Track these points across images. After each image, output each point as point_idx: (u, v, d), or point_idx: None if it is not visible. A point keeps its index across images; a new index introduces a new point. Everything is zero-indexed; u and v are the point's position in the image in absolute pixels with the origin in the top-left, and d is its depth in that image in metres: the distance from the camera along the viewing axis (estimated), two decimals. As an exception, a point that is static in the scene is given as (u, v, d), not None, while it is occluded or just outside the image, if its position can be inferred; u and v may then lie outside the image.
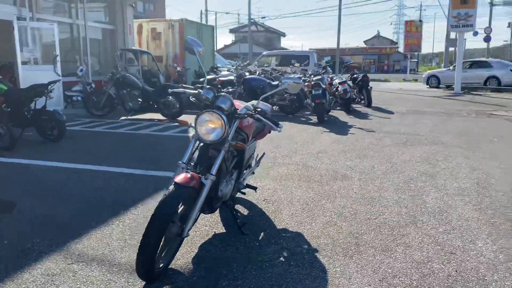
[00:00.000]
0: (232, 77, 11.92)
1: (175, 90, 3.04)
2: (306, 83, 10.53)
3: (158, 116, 9.51)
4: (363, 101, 12.41)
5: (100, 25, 12.80)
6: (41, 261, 2.72)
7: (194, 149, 2.82)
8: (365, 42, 65.63)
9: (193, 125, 2.66)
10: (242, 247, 2.97)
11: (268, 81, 10.46)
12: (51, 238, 3.06)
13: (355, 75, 12.81)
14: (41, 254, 2.82)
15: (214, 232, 3.23)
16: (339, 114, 10.47)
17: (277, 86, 9.98)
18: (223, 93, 2.71)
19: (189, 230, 2.56)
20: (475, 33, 28.85)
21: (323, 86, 9.10)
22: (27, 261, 2.72)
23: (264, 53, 20.39)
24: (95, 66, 12.87)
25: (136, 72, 11.90)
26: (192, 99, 2.89)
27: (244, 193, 3.62)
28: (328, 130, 8.03)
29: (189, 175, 2.48)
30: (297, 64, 13.90)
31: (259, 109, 2.83)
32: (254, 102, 3.23)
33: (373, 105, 12.25)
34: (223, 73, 13.92)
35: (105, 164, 5.28)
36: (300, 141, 6.93)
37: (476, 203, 3.93)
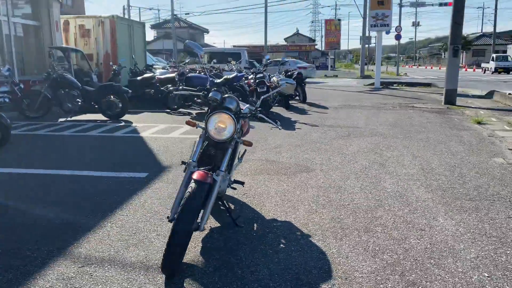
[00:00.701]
0: (171, 75, 11.85)
1: (181, 92, 3.15)
2: (246, 81, 10.84)
3: (99, 116, 9.22)
4: (297, 97, 13.00)
5: (25, 21, 11.96)
6: (50, 267, 2.70)
7: (198, 148, 2.95)
8: (285, 39, 67.65)
9: (201, 125, 2.80)
10: (243, 238, 3.17)
11: (211, 79, 10.57)
12: (47, 246, 3.02)
13: (289, 72, 13.35)
14: (47, 261, 2.79)
15: (210, 226, 3.39)
16: (280, 110, 10.91)
17: (219, 84, 10.14)
18: (229, 95, 2.88)
19: (204, 224, 2.70)
20: (387, 32, 31.26)
21: (267, 83, 9.46)
22: (36, 268, 2.68)
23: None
24: (19, 65, 12.01)
25: (68, 71, 11.34)
26: (198, 100, 3.02)
27: (235, 188, 3.82)
28: (274, 126, 8.38)
29: (203, 173, 2.63)
30: (233, 62, 14.15)
31: (259, 109, 3.04)
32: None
33: (307, 101, 12.90)
34: (159, 71, 13.74)
35: (67, 168, 5.12)
36: (255, 138, 7.21)
37: (426, 186, 4.50)
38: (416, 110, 11.27)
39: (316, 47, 57.73)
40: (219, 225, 3.44)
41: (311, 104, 12.40)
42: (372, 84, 20.40)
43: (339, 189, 4.37)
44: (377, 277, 2.63)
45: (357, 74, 33.28)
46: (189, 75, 10.79)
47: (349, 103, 12.77)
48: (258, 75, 10.34)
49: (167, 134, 7.53)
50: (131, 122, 8.74)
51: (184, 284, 2.53)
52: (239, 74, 10.54)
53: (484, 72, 37.88)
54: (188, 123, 2.90)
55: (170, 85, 11.44)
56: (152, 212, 3.70)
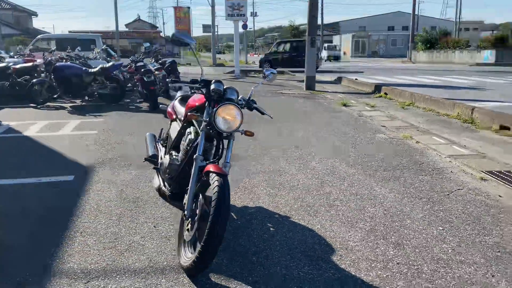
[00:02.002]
0: (29, 65, 10.46)
1: (175, 84, 2.95)
2: (125, 69, 10.26)
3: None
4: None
5: None
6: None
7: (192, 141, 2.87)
8: (126, 25, 64.55)
9: (204, 118, 2.72)
10: (231, 228, 3.21)
11: (84, 68, 9.68)
12: (33, 267, 2.59)
13: (160, 61, 13.02)
14: (46, 282, 2.41)
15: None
16: (161, 100, 10.64)
17: (94, 73, 9.41)
18: (230, 86, 2.86)
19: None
20: (244, 27, 32.68)
21: (156, 72, 9.13)
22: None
23: (39, 36, 18.08)
24: None
25: None
26: (198, 91, 2.90)
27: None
28: (171, 116, 8.23)
29: (217, 165, 2.60)
30: (96, 49, 13.11)
31: (252, 99, 3.07)
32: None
33: (182, 89, 12.81)
34: (8, 60, 11.92)
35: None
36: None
37: (346, 162, 5.11)
38: (286, 96, 12.24)
39: (161, 34, 56.69)
40: (198, 218, 3.39)
41: (187, 93, 12.38)
42: (232, 72, 21.15)
43: (280, 172, 4.67)
44: (368, 243, 3.01)
45: (209, 62, 33.91)
46: (57, 64, 9.71)
47: (224, 91, 13.13)
48: (138, 64, 9.88)
49: (56, 132, 6.75)
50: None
51: (212, 279, 2.51)
52: (116, 63, 9.92)
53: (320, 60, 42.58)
54: (191, 116, 2.79)
55: (29, 76, 10.14)
56: (115, 215, 3.43)
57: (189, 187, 2.64)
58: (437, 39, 35.37)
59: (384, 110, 9.48)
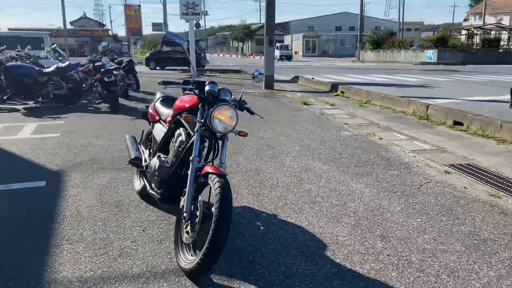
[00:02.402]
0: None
1: (170, 86, 2.89)
2: (81, 68, 9.90)
3: None
4: (130, 86, 12.48)
5: None
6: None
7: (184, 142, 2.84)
8: (71, 23, 61.96)
9: (199, 119, 2.70)
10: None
11: (38, 68, 9.22)
12: (25, 278, 2.46)
13: (116, 60, 12.64)
14: None
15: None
16: (122, 101, 10.35)
17: (48, 74, 9.01)
18: (223, 87, 2.85)
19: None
20: (197, 25, 32.33)
21: (115, 72, 8.86)
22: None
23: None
24: None
25: None
26: (190, 92, 2.86)
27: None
28: (135, 118, 8.03)
29: (215, 166, 2.60)
30: (46, 48, 12.51)
31: (243, 100, 3.07)
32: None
33: (140, 89, 12.52)
34: None
35: None
36: (130, 131, 6.81)
37: (318, 159, 5.25)
38: (247, 95, 12.28)
39: (109, 32, 55.00)
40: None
41: (146, 93, 12.11)
42: (188, 71, 20.94)
43: (258, 171, 4.71)
44: (356, 237, 3.13)
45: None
46: (8, 64, 9.19)
47: (178, 91, 12.96)
48: (97, 64, 9.54)
49: (15, 135, 6.40)
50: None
51: (215, 280, 2.51)
52: (72, 63, 9.53)
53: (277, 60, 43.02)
54: (186, 118, 2.75)
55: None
56: (99, 220, 3.33)
57: (186, 189, 2.62)
58: (383, 39, 36.86)
59: (343, 108, 9.77)
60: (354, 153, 5.57)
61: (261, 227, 3.27)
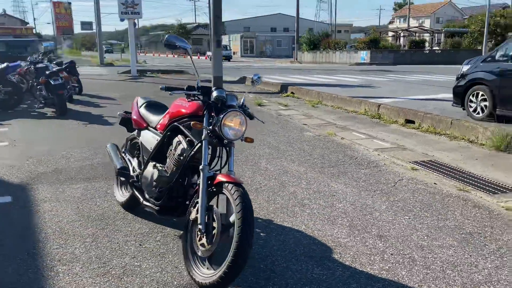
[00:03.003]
0: None
1: (176, 92, 2.71)
2: (18, 70, 9.18)
3: None
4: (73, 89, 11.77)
5: None
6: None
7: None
8: (-10, 20, 57.22)
9: (205, 126, 2.59)
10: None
11: (-29, 71, 8.38)
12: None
13: (55, 61, 11.86)
14: None
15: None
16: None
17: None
18: (229, 92, 2.75)
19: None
20: (122, 19, 31.11)
21: (61, 75, 8.29)
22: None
23: None
24: None
25: None
26: (194, 98, 2.72)
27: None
28: (87, 122, 7.59)
29: (227, 174, 2.52)
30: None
31: (244, 104, 2.97)
32: None
33: (83, 92, 11.86)
34: None
35: None
36: (88, 137, 6.40)
37: (292, 161, 5.28)
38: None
39: (33, 31, 51.49)
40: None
41: (90, 96, 11.51)
42: (128, 72, 20.13)
43: (237, 175, 4.63)
44: (356, 238, 3.18)
45: (94, 62, 31.78)
46: None
47: (130, 93, 12.47)
48: (39, 65, 8.87)
49: (-45, 145, 5.77)
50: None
51: (233, 292, 2.43)
52: (11, 64, 8.79)
53: (210, 60, 42.65)
54: (195, 125, 2.61)
55: None
56: (88, 236, 3.09)
57: (199, 200, 2.50)
58: (319, 40, 38.05)
59: (297, 109, 9.94)
60: (323, 154, 5.67)
61: (261, 234, 3.22)
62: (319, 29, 46.38)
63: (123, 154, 3.60)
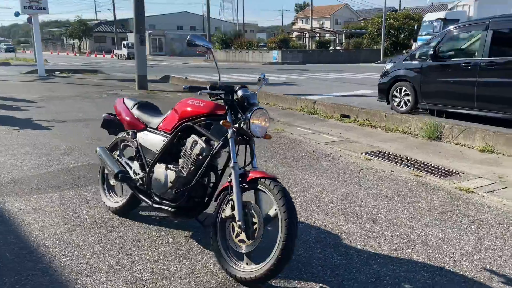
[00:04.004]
0: None
1: (204, 91, 2.64)
2: None
3: None
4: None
5: None
6: None
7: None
8: None
9: (237, 124, 2.62)
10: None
11: None
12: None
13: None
14: None
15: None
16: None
17: None
18: (252, 91, 2.78)
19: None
20: (17, 14, 28.43)
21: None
22: None
23: None
24: None
25: None
26: (216, 97, 2.70)
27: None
28: (18, 128, 6.93)
29: (260, 170, 2.58)
30: None
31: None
32: None
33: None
34: None
35: None
36: (29, 143, 5.85)
37: (258, 158, 5.36)
38: (123, 97, 11.59)
39: None
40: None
41: (3, 98, 10.45)
42: (33, 72, 18.53)
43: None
44: (354, 224, 3.42)
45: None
46: None
47: (50, 94, 11.56)
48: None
49: None
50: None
51: (273, 283, 2.50)
52: None
53: (118, 58, 40.88)
54: (224, 124, 2.60)
55: None
56: (94, 245, 2.91)
57: (235, 198, 2.52)
58: (231, 39, 38.49)
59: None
60: (283, 149, 5.89)
61: (269, 228, 3.30)
62: (225, 28, 46.85)
63: (118, 158, 3.43)
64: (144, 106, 3.41)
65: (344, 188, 4.31)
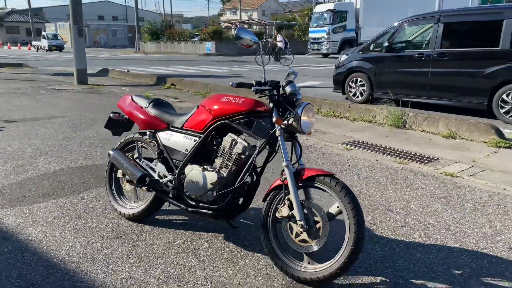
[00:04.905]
0: None
1: (257, 88, 2.45)
2: None
3: None
4: None
5: None
6: None
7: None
8: None
9: (287, 122, 2.51)
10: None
11: None
12: None
13: None
14: None
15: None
16: None
17: None
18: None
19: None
20: None
21: None
22: None
23: None
24: None
25: None
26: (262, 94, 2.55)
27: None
28: (-36, 129, 6.15)
29: (316, 168, 2.52)
30: None
31: None
32: None
33: None
34: None
35: None
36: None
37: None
38: (67, 92, 10.83)
39: None
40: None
41: None
42: None
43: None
44: (375, 214, 3.49)
45: None
46: None
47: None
48: None
49: None
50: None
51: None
52: None
53: (38, 50, 37.82)
54: (278, 121, 2.47)
55: None
56: (127, 256, 2.66)
57: (293, 198, 2.44)
58: (162, 30, 37.29)
59: (189, 100, 9.85)
60: (263, 143, 5.84)
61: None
62: (148, 18, 45.26)
63: (136, 160, 3.15)
64: (160, 104, 3.17)
65: (344, 179, 4.37)
